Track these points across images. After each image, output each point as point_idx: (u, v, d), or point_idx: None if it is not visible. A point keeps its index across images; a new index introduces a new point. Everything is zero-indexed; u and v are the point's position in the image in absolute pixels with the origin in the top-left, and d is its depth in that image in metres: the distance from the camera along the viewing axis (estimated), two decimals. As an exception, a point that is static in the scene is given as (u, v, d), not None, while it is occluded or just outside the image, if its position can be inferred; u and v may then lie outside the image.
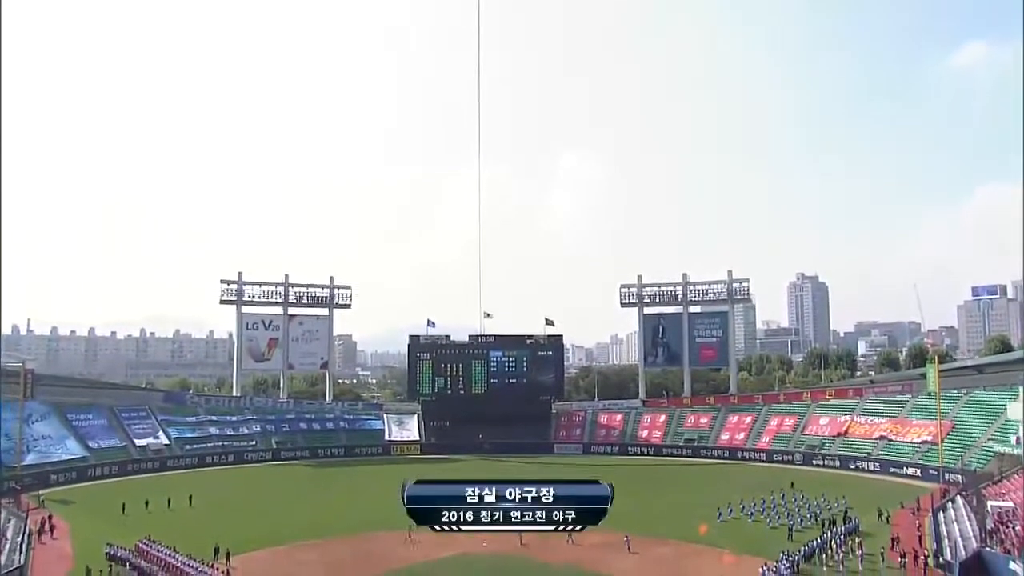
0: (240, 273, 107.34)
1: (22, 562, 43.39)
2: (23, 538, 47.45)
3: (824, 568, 42.01)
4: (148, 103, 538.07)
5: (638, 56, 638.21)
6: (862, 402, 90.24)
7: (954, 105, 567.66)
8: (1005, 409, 69.78)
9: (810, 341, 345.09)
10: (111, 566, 41.96)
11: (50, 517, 52.03)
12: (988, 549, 40.29)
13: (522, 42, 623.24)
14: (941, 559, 41.41)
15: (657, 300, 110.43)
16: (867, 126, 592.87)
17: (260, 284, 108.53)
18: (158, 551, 43.26)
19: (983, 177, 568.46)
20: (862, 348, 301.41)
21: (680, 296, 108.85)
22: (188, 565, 40.64)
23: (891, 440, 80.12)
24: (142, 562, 42.21)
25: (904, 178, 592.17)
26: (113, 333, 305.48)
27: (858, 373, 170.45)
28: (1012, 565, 37.35)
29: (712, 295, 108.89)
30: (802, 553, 42.98)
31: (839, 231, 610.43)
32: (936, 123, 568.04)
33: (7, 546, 44.83)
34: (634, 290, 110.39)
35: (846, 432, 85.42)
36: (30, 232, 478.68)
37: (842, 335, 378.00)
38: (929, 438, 74.71)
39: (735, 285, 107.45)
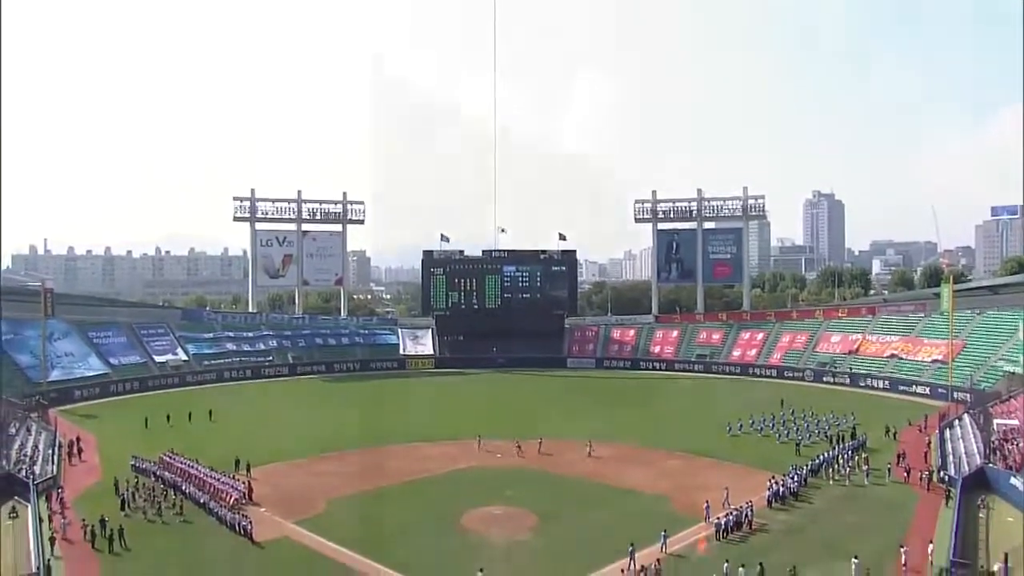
0: (253, 190, 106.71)
1: (54, 473, 45.16)
2: (54, 450, 49.17)
3: (831, 482, 42.88)
4: (163, 21, 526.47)
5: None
6: (875, 320, 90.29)
7: (984, 20, 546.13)
8: (1017, 330, 69.67)
9: (824, 259, 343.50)
10: (137, 477, 43.45)
11: (78, 439, 52.51)
12: (991, 465, 40.96)
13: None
14: (945, 474, 42.18)
15: (671, 216, 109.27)
16: (892, 40, 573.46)
17: (273, 201, 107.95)
18: (181, 463, 44.68)
19: (1008, 96, 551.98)
20: (877, 267, 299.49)
21: (695, 212, 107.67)
22: (210, 476, 41.96)
23: (902, 358, 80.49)
24: (166, 473, 43.68)
25: (927, 95, 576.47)
26: (129, 252, 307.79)
27: (872, 292, 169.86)
28: (1013, 480, 38.04)
29: (727, 211, 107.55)
30: (809, 467, 43.90)
31: (858, 148, 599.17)
32: (963, 39, 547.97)
33: (40, 457, 46.51)
34: (648, 205, 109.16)
35: (857, 350, 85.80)
36: (46, 153, 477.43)
37: (857, 253, 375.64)
38: (940, 357, 74.82)
39: (750, 201, 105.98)
